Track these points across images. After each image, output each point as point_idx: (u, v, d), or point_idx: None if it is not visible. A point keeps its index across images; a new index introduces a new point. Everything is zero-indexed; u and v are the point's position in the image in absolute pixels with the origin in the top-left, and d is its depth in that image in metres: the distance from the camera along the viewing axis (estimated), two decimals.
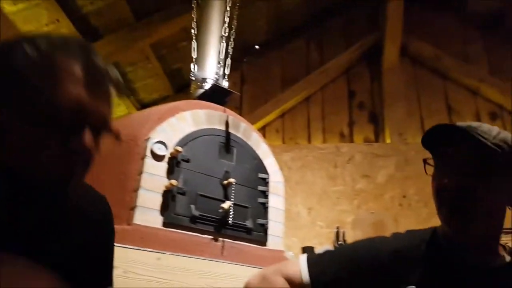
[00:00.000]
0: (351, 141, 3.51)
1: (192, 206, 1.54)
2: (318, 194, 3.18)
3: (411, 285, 0.81)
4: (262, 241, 1.77)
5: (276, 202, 1.90)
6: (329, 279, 0.89)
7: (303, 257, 0.95)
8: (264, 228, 1.79)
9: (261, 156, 1.91)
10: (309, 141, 3.53)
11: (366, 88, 3.73)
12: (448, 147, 0.83)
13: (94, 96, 0.55)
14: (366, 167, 3.27)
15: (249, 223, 1.71)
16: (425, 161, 0.88)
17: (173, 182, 1.48)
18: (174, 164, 1.55)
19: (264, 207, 1.83)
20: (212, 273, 1.47)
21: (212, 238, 1.57)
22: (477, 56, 3.63)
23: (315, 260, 0.93)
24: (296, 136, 3.57)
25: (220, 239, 1.60)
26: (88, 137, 0.54)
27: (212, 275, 1.47)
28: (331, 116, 3.63)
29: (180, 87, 3.70)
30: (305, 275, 0.90)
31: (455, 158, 0.81)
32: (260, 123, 3.54)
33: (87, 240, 0.63)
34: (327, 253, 0.96)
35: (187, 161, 1.59)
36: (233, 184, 1.67)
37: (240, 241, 1.68)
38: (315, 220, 3.12)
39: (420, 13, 3.75)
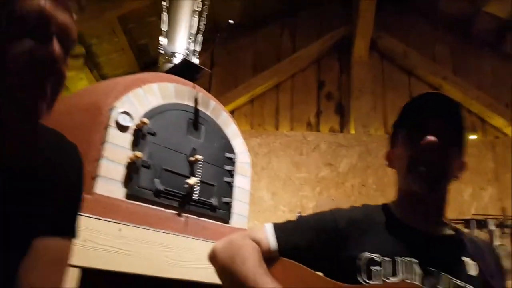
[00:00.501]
0: (318, 130, 3.59)
1: (157, 180, 1.52)
2: (283, 179, 3.24)
3: (366, 251, 0.87)
4: (226, 219, 1.78)
5: (242, 182, 1.92)
6: (294, 246, 0.93)
7: (269, 225, 0.98)
8: (228, 207, 1.80)
9: (229, 136, 1.91)
10: (276, 128, 3.58)
11: (335, 79, 3.81)
12: (435, 114, 0.91)
13: (56, 6, 0.57)
14: (330, 156, 3.37)
15: (214, 201, 1.72)
16: (401, 131, 0.97)
17: (138, 154, 1.45)
18: (140, 136, 1.52)
19: (230, 186, 1.84)
20: (174, 247, 1.47)
21: (176, 213, 1.57)
22: (443, 56, 3.81)
23: (280, 228, 0.97)
24: (264, 122, 3.60)
25: (184, 214, 1.60)
26: (55, 45, 0.54)
27: (174, 249, 1.47)
28: (300, 105, 3.68)
29: (146, 64, 3.62)
30: (272, 241, 0.93)
31: (441, 127, 0.89)
32: (229, 107, 3.54)
33: (58, 188, 0.61)
34: (290, 222, 1.00)
35: (153, 134, 1.56)
36: (200, 161, 1.66)
37: (204, 217, 1.69)
38: (278, 204, 3.18)
39: (392, 11, 3.87)
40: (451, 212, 1.08)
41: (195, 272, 1.50)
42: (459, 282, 0.85)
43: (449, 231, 0.97)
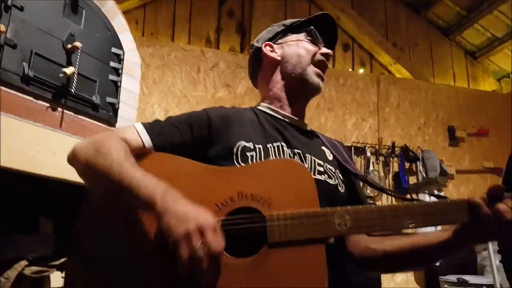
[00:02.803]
0: (217, 48, 3.54)
1: (25, 64, 1.36)
2: (177, 97, 3.18)
3: (242, 140, 0.95)
4: (111, 122, 1.71)
5: (130, 84, 1.84)
6: (169, 142, 0.94)
7: (138, 124, 0.96)
8: (114, 108, 1.72)
9: (116, 29, 1.77)
10: (172, 39, 3.42)
11: None
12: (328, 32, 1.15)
13: None
14: (228, 76, 3.39)
15: (96, 99, 1.62)
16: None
17: (1, 27, 1.26)
18: (2, 7, 1.31)
19: (116, 86, 1.74)
20: (47, 143, 1.37)
21: (49, 106, 1.44)
22: None
23: (152, 126, 0.96)
24: (158, 32, 3.41)
25: (59, 109, 1.48)
26: None
27: (46, 145, 1.37)
28: (199, 18, 3.55)
29: None
30: (146, 138, 0.92)
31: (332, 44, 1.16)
32: None
33: None
34: (160, 120, 1.00)
35: (20, 9, 1.36)
36: (78, 49, 1.52)
37: (84, 116, 1.59)
38: None
39: None
40: (336, 138, 1.24)
41: (74, 172, 1.43)
42: (319, 161, 1.01)
43: (307, 127, 1.15)
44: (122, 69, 1.77)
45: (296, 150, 0.99)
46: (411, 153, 3.57)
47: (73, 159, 0.89)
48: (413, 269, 2.79)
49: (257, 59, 1.17)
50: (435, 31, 4.20)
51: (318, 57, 1.10)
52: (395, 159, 3.62)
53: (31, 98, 1.38)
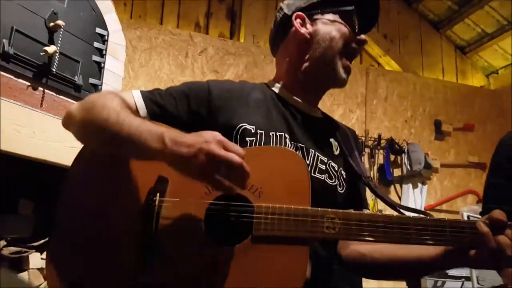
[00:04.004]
0: (206, 33, 3.52)
1: (5, 41, 1.35)
2: (164, 81, 3.16)
3: (243, 123, 0.91)
4: None
5: (114, 66, 1.83)
6: (165, 112, 0.91)
7: (136, 91, 0.94)
8: (96, 90, 1.71)
9: (101, 9, 1.75)
10: (160, 22, 3.39)
11: None
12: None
13: None
14: (217, 62, 3.38)
15: (78, 80, 1.61)
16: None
17: None
18: None
19: (99, 67, 1.74)
20: (28, 123, 1.36)
21: (29, 85, 1.43)
22: None
23: (150, 94, 0.94)
24: (147, 14, 3.37)
25: (40, 88, 1.47)
26: None
27: (27, 124, 1.36)
28: (188, 2, 3.52)
29: None
30: (141, 106, 0.90)
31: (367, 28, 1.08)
32: None
33: None
34: (159, 89, 0.97)
35: None
36: (61, 28, 1.51)
37: (66, 96, 1.58)
38: None
39: None
40: None
41: (54, 153, 1.44)
42: (323, 158, 0.97)
43: (320, 114, 1.09)
44: (106, 50, 1.76)
45: (299, 144, 0.95)
46: (396, 145, 3.63)
47: (68, 120, 0.87)
48: (398, 279, 2.75)
49: (283, 28, 1.05)
50: (426, 24, 4.23)
51: (353, 44, 1.01)
52: (381, 151, 3.67)
53: (11, 76, 1.37)
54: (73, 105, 0.88)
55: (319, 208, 0.78)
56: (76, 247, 0.81)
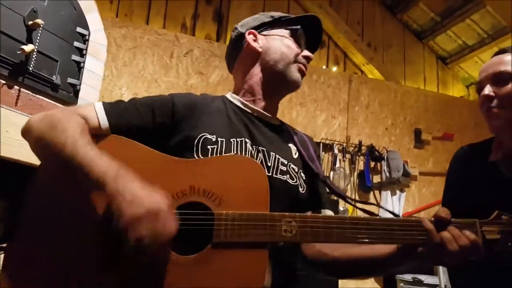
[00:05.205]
0: (193, 34, 3.50)
1: None
2: (148, 81, 3.14)
3: (204, 132, 0.94)
4: (71, 103, 1.68)
5: (94, 66, 1.81)
6: (127, 124, 0.92)
7: (98, 103, 0.94)
8: (75, 90, 1.69)
9: (83, 8, 1.73)
10: (147, 22, 3.36)
11: None
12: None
13: None
14: (202, 64, 3.37)
15: (56, 79, 1.59)
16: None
17: None
18: None
19: (79, 66, 1.71)
20: (1, 121, 1.34)
21: (4, 83, 1.41)
22: None
23: (112, 106, 0.94)
24: (133, 13, 3.34)
25: (16, 87, 1.45)
26: None
27: (2, 124, 1.34)
28: (175, 3, 3.50)
29: None
30: (102, 118, 0.90)
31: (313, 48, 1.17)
32: None
33: None
34: (123, 101, 0.98)
35: None
36: (40, 27, 1.49)
37: (43, 96, 1.56)
38: None
39: None
40: (307, 133, 1.23)
41: (28, 153, 1.40)
42: (284, 160, 1.01)
43: (278, 122, 1.14)
44: (86, 49, 1.74)
45: (260, 148, 0.98)
46: (376, 152, 3.67)
47: (27, 132, 0.88)
48: (361, 277, 2.85)
49: (238, 45, 1.13)
50: (409, 34, 4.29)
51: (300, 59, 1.09)
52: (361, 157, 3.71)
53: None
54: (34, 117, 0.88)
55: (277, 212, 0.80)
56: (34, 252, 0.80)
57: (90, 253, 0.78)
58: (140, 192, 0.71)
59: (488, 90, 1.13)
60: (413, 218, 0.83)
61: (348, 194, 3.55)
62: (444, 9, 3.94)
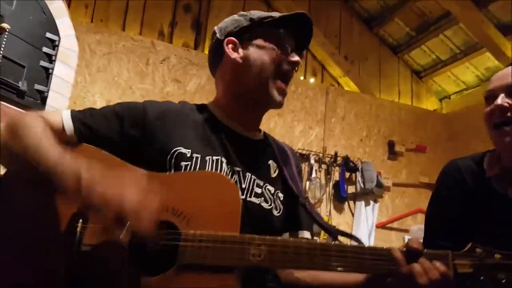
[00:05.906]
0: (170, 42, 3.48)
1: None
2: (122, 87, 3.08)
3: (178, 146, 0.89)
4: (37, 110, 1.63)
5: (64, 73, 1.76)
6: (94, 133, 0.89)
7: (66, 111, 0.92)
8: (42, 96, 1.65)
9: (53, 13, 1.69)
10: (123, 28, 3.32)
11: None
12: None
13: None
14: (179, 72, 3.34)
15: (22, 86, 1.54)
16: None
17: None
18: None
19: (47, 73, 1.67)
20: None
21: None
22: None
23: (80, 113, 0.92)
24: (109, 19, 3.29)
25: None
26: None
27: None
28: (153, 10, 3.47)
29: None
30: (68, 125, 0.88)
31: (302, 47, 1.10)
32: None
33: None
34: (93, 109, 0.95)
35: None
36: (6, 31, 1.44)
37: (8, 102, 1.51)
38: None
39: None
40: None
41: None
42: (259, 181, 0.97)
43: (260, 136, 1.09)
44: (56, 55, 1.70)
45: (236, 168, 0.94)
46: (351, 163, 3.71)
47: None
48: None
49: (217, 52, 1.05)
50: (385, 48, 4.38)
51: (285, 66, 1.02)
52: (337, 168, 3.74)
53: None
54: None
55: (247, 235, 0.77)
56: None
57: (58, 261, 0.75)
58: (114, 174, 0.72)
59: (502, 100, 1.05)
60: (384, 247, 0.80)
61: (324, 204, 3.57)
62: (419, 24, 4.04)
